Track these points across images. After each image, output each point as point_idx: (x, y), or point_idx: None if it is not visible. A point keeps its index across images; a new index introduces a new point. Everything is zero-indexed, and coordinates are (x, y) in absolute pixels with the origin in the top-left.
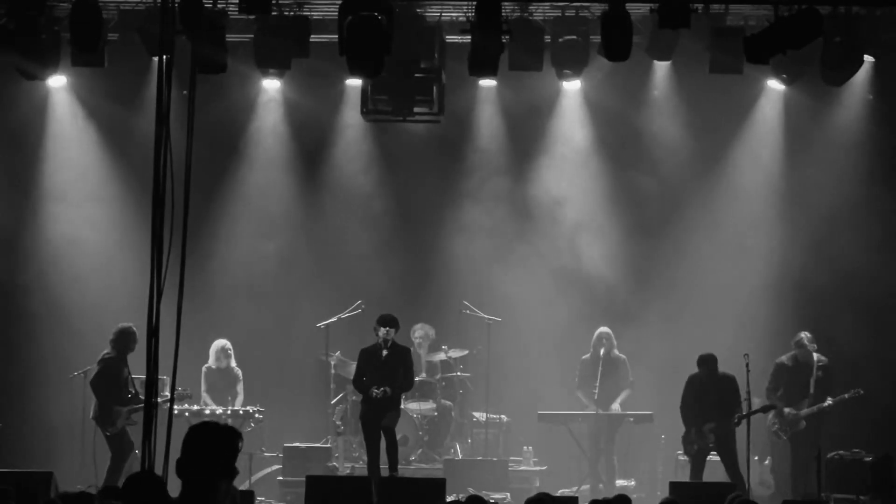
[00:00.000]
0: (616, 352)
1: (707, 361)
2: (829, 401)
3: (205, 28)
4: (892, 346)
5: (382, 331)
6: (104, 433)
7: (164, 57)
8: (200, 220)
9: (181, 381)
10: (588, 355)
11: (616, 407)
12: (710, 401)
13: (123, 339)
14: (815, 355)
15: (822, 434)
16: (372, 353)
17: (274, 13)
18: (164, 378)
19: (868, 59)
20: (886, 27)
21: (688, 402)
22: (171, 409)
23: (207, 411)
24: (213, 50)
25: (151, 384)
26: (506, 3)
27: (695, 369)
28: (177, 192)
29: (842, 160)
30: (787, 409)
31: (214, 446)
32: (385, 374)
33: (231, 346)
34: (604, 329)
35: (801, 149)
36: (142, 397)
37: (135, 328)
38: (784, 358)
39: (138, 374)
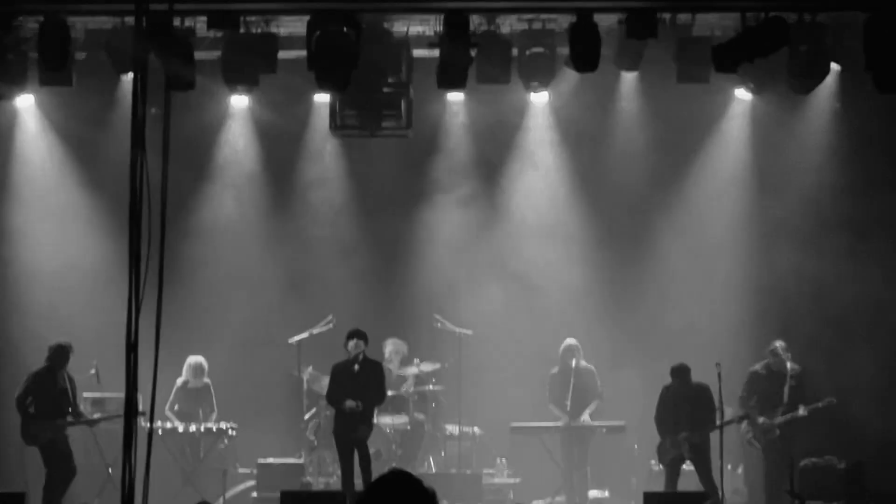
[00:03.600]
0: (584, 363)
1: (680, 372)
2: (802, 409)
3: (174, 45)
4: (860, 354)
5: (351, 343)
6: (30, 445)
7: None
8: (169, 237)
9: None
10: (556, 368)
11: (586, 418)
12: (684, 410)
13: (58, 355)
14: (789, 364)
15: (796, 442)
16: (344, 367)
17: (241, 30)
18: (114, 396)
19: (834, 67)
20: (852, 35)
21: (662, 411)
22: (150, 428)
23: (181, 429)
24: (182, 67)
25: (130, 401)
26: (473, 17)
27: (668, 379)
28: (153, 210)
29: (809, 169)
30: (761, 418)
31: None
32: (357, 389)
33: (205, 362)
34: (571, 341)
35: (768, 158)
36: (82, 412)
37: (69, 345)
38: (758, 366)
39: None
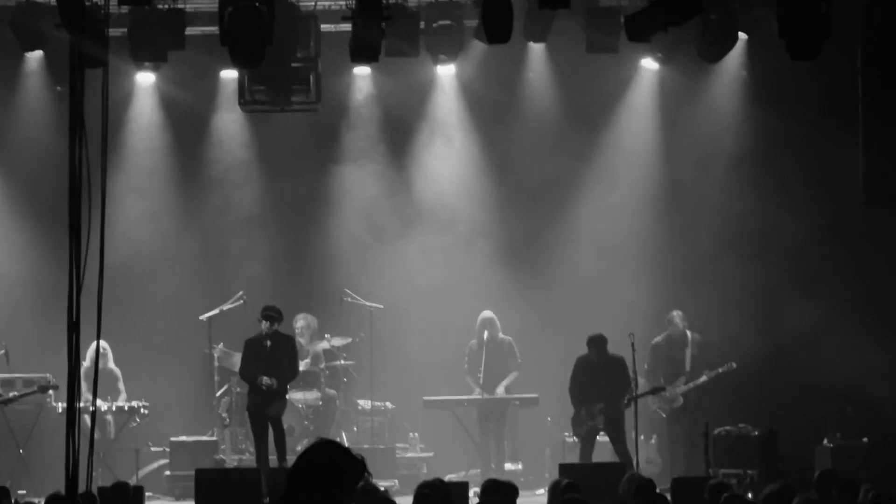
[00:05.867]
0: (501, 335)
1: (597, 342)
2: (704, 376)
3: (85, 22)
4: (765, 320)
5: (265, 324)
6: None
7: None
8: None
9: (59, 381)
10: (474, 341)
11: (500, 390)
12: (599, 381)
13: None
14: (689, 333)
15: (703, 410)
16: (256, 343)
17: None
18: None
19: (742, 35)
20: (759, 3)
21: (577, 382)
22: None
23: (91, 407)
24: (94, 45)
25: (73, 382)
26: None
27: (580, 350)
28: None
29: (715, 137)
30: (667, 387)
31: (342, 471)
32: (270, 365)
33: (108, 346)
34: (486, 313)
35: (675, 126)
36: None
37: None
38: (658, 338)
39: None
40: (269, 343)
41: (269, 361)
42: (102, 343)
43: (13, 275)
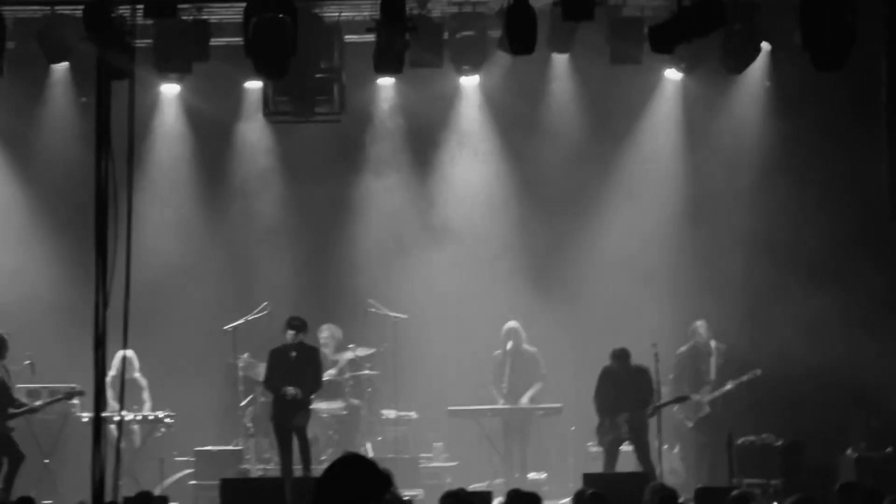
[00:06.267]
0: (526, 346)
1: (620, 356)
2: (729, 384)
3: (111, 34)
4: (789, 329)
5: (290, 333)
6: None
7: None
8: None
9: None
10: (499, 351)
11: (525, 401)
12: (623, 392)
13: None
14: (713, 342)
15: (728, 419)
16: (281, 353)
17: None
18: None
19: (765, 46)
20: (783, 14)
21: (602, 393)
22: (120, 420)
23: (116, 417)
24: (119, 57)
25: (99, 395)
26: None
27: (606, 361)
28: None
29: (739, 147)
30: (692, 395)
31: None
32: (294, 375)
33: (134, 356)
34: (512, 323)
35: (698, 137)
36: (25, 403)
37: (6, 335)
38: (683, 348)
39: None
40: (294, 354)
41: (294, 372)
42: (128, 352)
43: (40, 286)
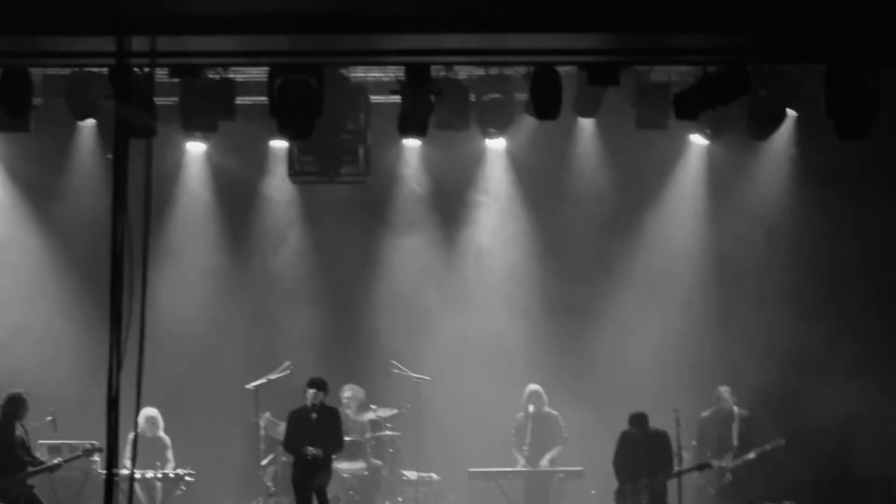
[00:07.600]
0: (547, 408)
1: (638, 420)
2: (752, 453)
3: (135, 93)
4: (814, 397)
5: (311, 393)
6: None
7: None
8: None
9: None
10: (521, 413)
11: (545, 463)
12: (642, 456)
13: (12, 406)
14: (736, 409)
15: (751, 487)
16: (301, 414)
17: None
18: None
19: (791, 112)
20: (809, 81)
21: (621, 457)
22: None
23: (138, 474)
24: (142, 115)
25: (111, 456)
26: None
27: (625, 425)
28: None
29: (765, 214)
30: (715, 463)
31: None
32: (315, 436)
33: (159, 415)
34: (533, 386)
35: (724, 203)
36: (43, 461)
37: (25, 395)
38: (706, 413)
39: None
40: (314, 415)
41: (315, 433)
42: (153, 411)
43: (64, 341)
